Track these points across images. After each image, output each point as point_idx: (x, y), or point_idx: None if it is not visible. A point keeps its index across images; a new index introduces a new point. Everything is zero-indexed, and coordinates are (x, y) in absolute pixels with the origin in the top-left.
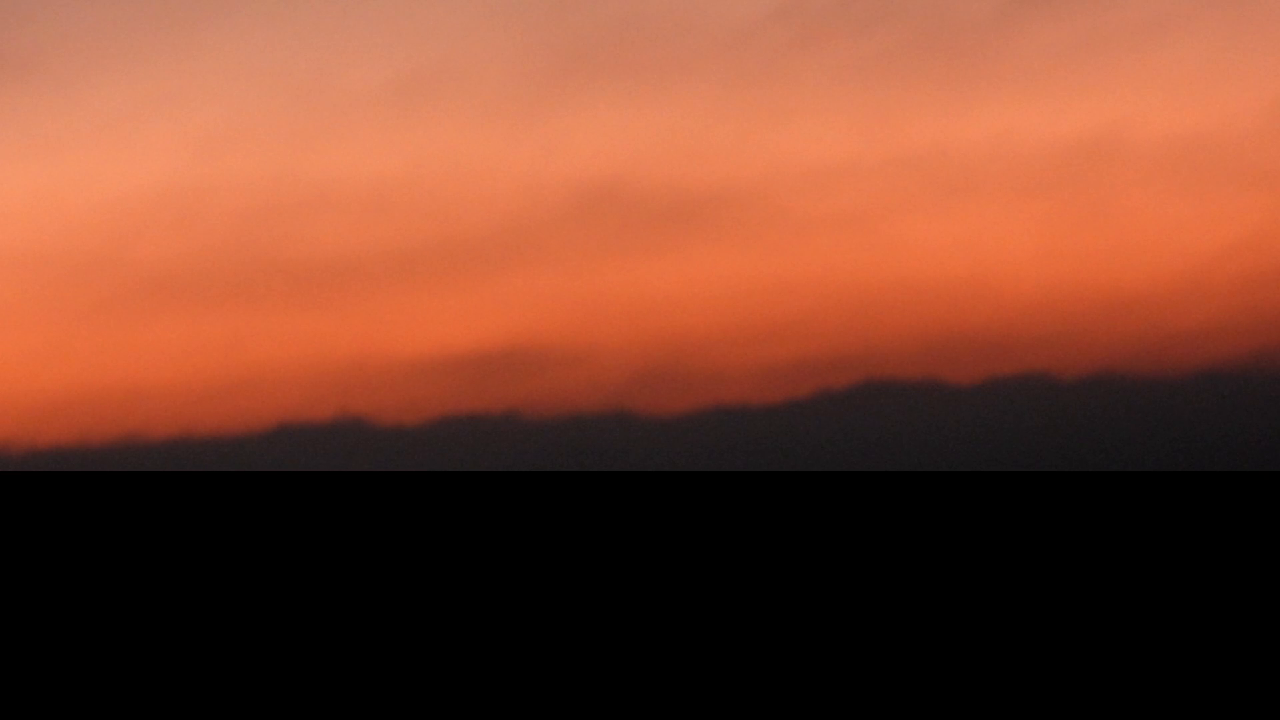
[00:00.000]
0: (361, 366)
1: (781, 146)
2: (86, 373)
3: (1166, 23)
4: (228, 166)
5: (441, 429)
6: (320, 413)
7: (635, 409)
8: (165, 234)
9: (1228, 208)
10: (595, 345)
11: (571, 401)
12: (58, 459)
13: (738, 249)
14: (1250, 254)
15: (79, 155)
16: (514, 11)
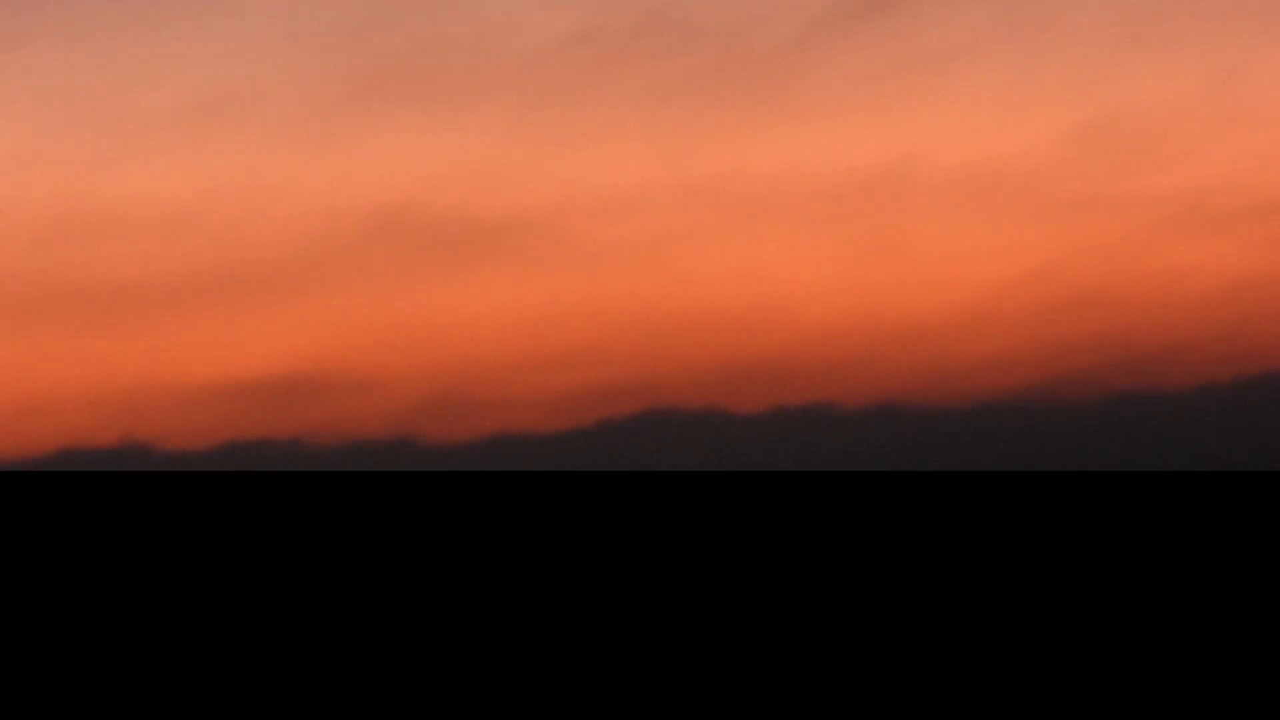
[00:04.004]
0: (147, 391)
1: (575, 172)
2: None
3: (960, 55)
4: (18, 189)
5: (225, 455)
6: (104, 438)
7: (420, 436)
8: None
9: (1016, 239)
10: (382, 371)
11: (356, 428)
12: None
13: (528, 276)
14: (1036, 285)
15: None
16: (310, 36)
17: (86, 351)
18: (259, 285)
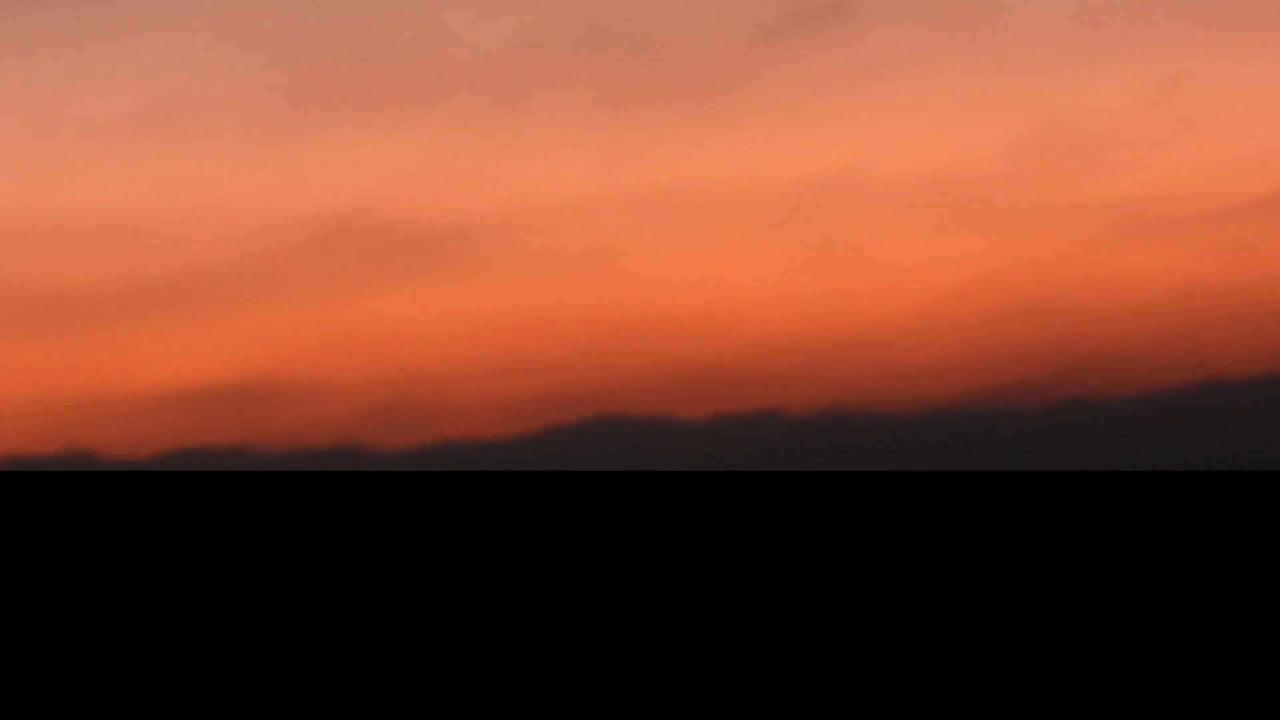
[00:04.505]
0: (92, 399)
1: (521, 181)
2: None
3: (908, 63)
4: None
5: (169, 463)
6: (47, 446)
7: (366, 443)
8: None
9: (964, 246)
10: (329, 380)
11: (302, 436)
12: None
13: (474, 284)
14: (985, 292)
15: None
16: (255, 44)
17: (30, 359)
18: (204, 293)
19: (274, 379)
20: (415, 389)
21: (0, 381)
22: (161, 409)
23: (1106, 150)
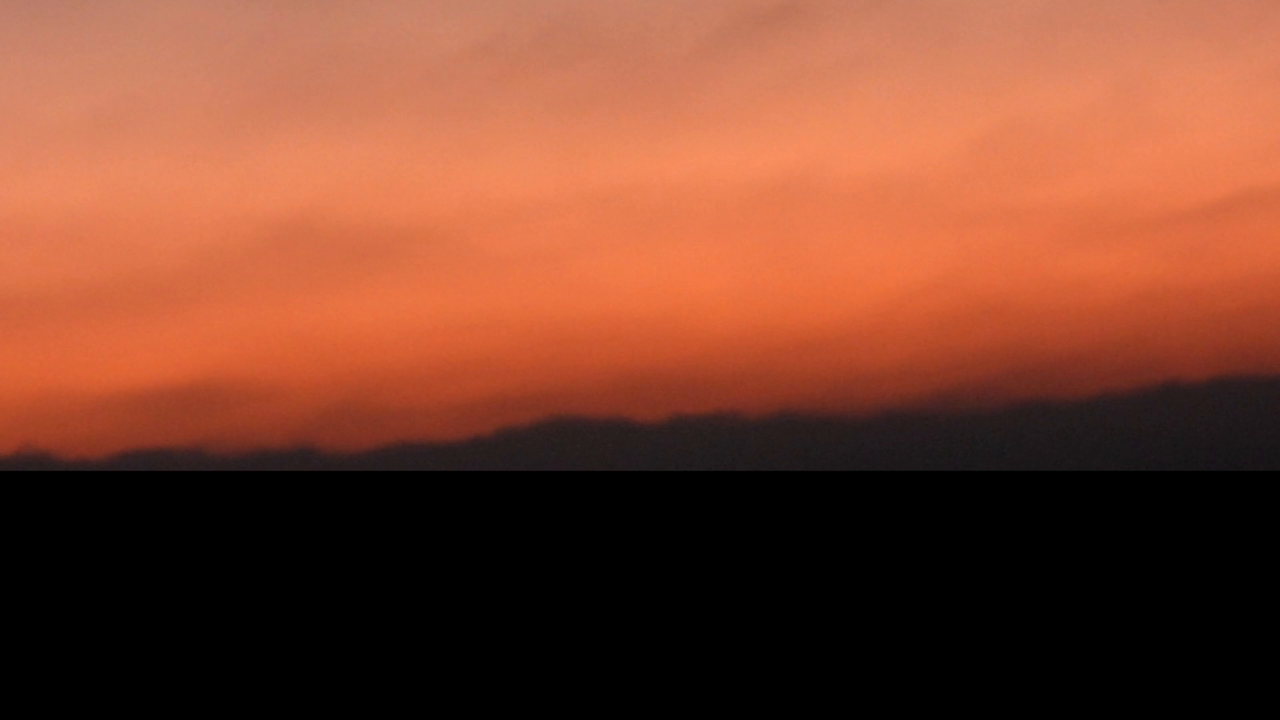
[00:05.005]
0: (49, 400)
1: (478, 182)
2: None
3: (862, 66)
4: None
5: (126, 464)
6: (3, 446)
7: (321, 445)
8: None
9: (918, 248)
10: (285, 381)
11: (258, 437)
12: None
13: (430, 285)
14: (938, 295)
15: None
16: (212, 47)
17: None
18: (161, 295)
19: (230, 380)
20: (371, 390)
21: None
22: (118, 410)
23: (1062, 153)
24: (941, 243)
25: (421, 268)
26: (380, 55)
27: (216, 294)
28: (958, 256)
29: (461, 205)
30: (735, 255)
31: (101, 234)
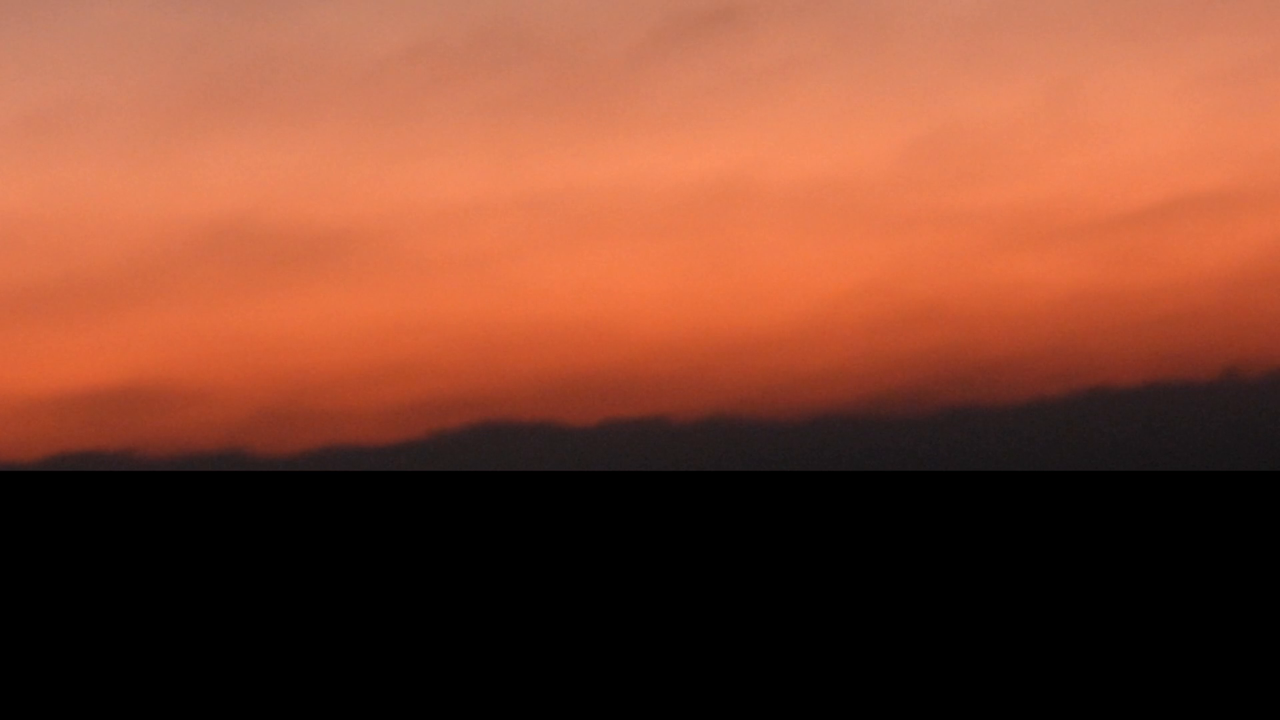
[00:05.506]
0: None
1: (410, 186)
2: None
3: (797, 67)
4: None
5: (57, 467)
6: None
7: (252, 449)
8: None
9: (853, 252)
10: (216, 384)
11: (189, 440)
12: None
13: (362, 289)
14: (871, 300)
15: None
16: (145, 47)
17: None
18: (91, 297)
19: (161, 383)
20: (302, 394)
21: None
22: (48, 412)
23: (996, 157)
24: (875, 247)
25: (354, 271)
26: (314, 58)
27: (148, 297)
28: (891, 261)
29: (395, 208)
30: (668, 259)
31: (33, 237)
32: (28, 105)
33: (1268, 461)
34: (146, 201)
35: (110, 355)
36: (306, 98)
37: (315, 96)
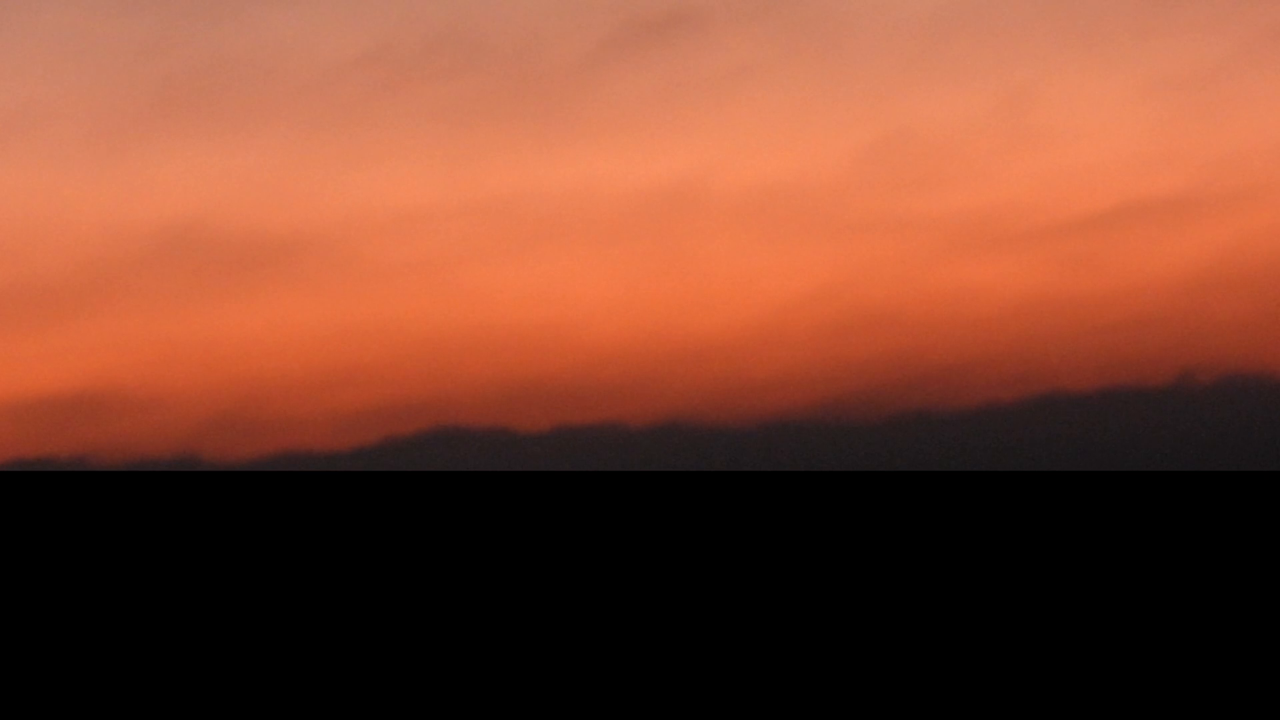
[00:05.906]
0: None
1: (362, 191)
2: None
3: (749, 73)
4: None
5: (9, 471)
6: None
7: (205, 455)
8: None
9: (805, 258)
10: (169, 390)
11: (143, 447)
12: None
13: (314, 294)
14: (824, 304)
15: None
16: (97, 54)
17: None
18: (42, 304)
19: (115, 389)
20: (255, 400)
21: None
22: (1, 419)
23: (948, 163)
24: (827, 252)
25: (307, 277)
26: (267, 64)
27: (100, 303)
28: (843, 266)
29: (347, 214)
30: (621, 264)
31: None
32: None
33: (1221, 464)
34: (98, 207)
35: (62, 361)
36: (258, 103)
37: (267, 102)
